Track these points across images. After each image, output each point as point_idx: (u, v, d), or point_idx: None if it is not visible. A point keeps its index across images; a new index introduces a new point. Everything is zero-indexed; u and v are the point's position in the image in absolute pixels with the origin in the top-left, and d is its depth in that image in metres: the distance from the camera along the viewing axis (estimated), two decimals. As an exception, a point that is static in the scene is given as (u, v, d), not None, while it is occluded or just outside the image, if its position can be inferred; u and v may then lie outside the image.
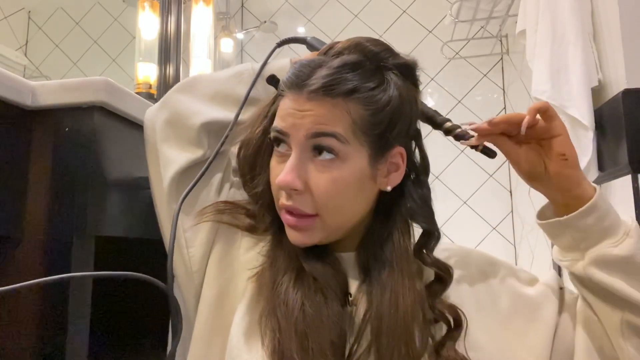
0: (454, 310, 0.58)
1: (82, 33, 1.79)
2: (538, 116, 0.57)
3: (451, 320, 0.57)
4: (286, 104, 0.56)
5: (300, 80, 0.55)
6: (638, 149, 1.02)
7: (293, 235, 0.58)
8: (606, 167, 1.14)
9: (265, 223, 0.64)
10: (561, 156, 0.57)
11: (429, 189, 0.62)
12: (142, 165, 0.71)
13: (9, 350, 0.61)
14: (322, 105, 0.54)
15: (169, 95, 0.69)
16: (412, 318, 0.54)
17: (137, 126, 0.74)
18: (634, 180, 1.03)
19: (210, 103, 0.67)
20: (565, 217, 0.57)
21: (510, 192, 1.99)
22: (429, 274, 0.61)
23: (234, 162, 0.70)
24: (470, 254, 0.67)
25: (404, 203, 0.60)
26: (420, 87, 0.62)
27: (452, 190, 2.02)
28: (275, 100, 0.61)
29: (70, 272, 0.61)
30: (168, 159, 0.65)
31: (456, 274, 0.60)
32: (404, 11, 2.22)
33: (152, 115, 0.68)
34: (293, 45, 0.74)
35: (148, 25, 1.69)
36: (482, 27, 2.06)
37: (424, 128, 0.64)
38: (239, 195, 0.69)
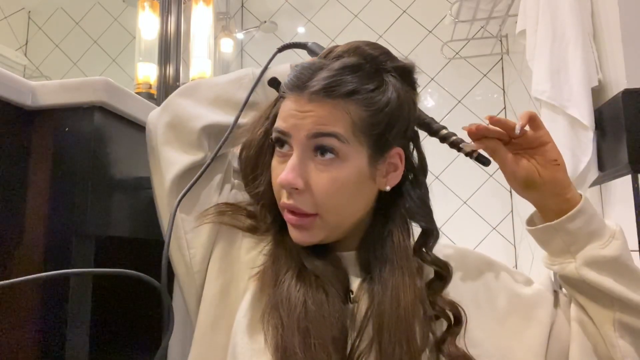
0: (454, 306, 0.59)
1: (82, 33, 1.79)
2: (527, 127, 0.60)
3: (451, 317, 0.59)
4: (287, 105, 0.58)
5: (301, 82, 0.56)
6: (638, 149, 1.02)
7: (295, 234, 0.60)
8: (606, 167, 1.14)
9: (267, 223, 0.65)
10: (553, 162, 0.60)
11: (427, 189, 0.63)
12: (142, 165, 0.71)
13: (8, 347, 0.61)
14: (322, 107, 0.55)
15: (171, 99, 0.70)
16: (413, 314, 0.55)
17: (137, 126, 0.74)
18: (634, 180, 1.03)
19: (211, 107, 0.69)
20: (555, 221, 0.60)
21: (510, 192, 1.99)
22: (429, 272, 0.62)
23: (235, 164, 0.71)
24: (468, 254, 0.68)
25: (403, 203, 0.62)
26: (420, 87, 0.64)
27: (452, 190, 2.02)
28: (277, 102, 0.63)
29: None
30: (169, 161, 0.66)
31: (455, 272, 0.61)
32: (404, 11, 2.22)
33: (154, 119, 0.70)
34: (295, 49, 0.75)
35: (148, 25, 1.70)
36: (482, 27, 2.06)
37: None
38: (240, 196, 0.70)
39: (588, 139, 1.15)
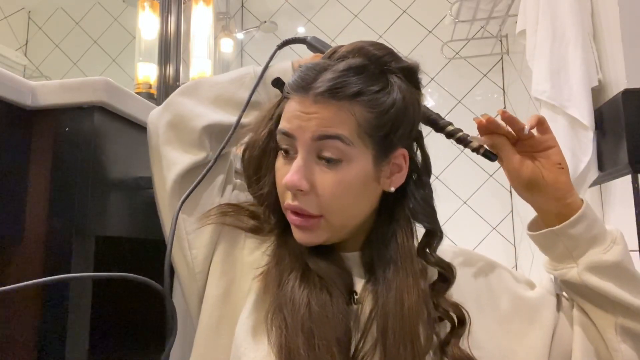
0: (458, 308, 0.59)
1: (82, 33, 1.78)
2: (534, 130, 0.60)
3: (455, 319, 0.58)
4: (292, 107, 0.57)
5: (306, 83, 0.56)
6: (638, 149, 1.02)
7: (299, 235, 0.59)
8: (606, 167, 1.14)
9: (271, 224, 0.65)
10: (557, 165, 0.60)
11: (430, 189, 0.63)
12: (142, 165, 0.71)
13: (8, 349, 0.61)
14: (327, 108, 0.55)
15: (172, 99, 0.69)
16: (417, 316, 0.55)
17: (137, 126, 0.74)
18: (634, 180, 1.03)
19: (212, 106, 0.68)
20: (558, 226, 0.60)
21: (510, 192, 1.99)
22: (433, 273, 0.62)
23: (237, 164, 0.71)
24: (471, 256, 0.68)
25: (407, 203, 0.61)
26: (422, 89, 0.63)
27: (452, 190, 2.02)
28: (280, 102, 0.62)
29: (70, 272, 0.61)
30: (170, 161, 0.66)
31: (458, 274, 0.61)
32: (404, 11, 2.22)
33: (154, 118, 0.69)
34: (294, 46, 0.74)
35: (148, 25, 1.70)
36: (482, 27, 2.06)
37: (424, 128, 0.65)
38: (243, 196, 0.70)
39: (588, 139, 1.15)
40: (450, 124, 0.64)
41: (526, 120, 0.61)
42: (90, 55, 1.78)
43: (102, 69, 1.81)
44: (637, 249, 1.00)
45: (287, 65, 0.71)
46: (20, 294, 0.62)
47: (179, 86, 0.72)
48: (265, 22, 2.25)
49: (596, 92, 1.19)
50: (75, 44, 1.76)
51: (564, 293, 0.67)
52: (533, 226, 0.65)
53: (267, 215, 0.65)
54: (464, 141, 0.62)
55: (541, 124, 0.60)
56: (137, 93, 1.59)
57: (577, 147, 1.15)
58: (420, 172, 0.63)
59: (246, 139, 0.66)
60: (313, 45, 0.72)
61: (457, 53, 2.13)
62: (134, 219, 0.74)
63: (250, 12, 2.42)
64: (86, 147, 0.64)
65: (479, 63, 2.12)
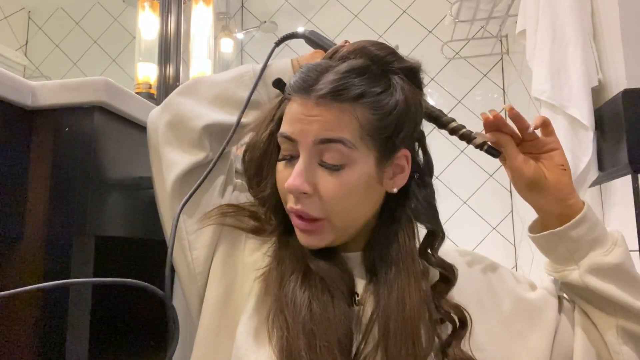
0: (460, 310, 0.59)
1: (82, 33, 1.78)
2: (538, 131, 0.61)
3: (457, 320, 0.58)
4: (293, 109, 0.57)
5: (307, 84, 0.55)
6: (638, 149, 1.02)
7: (304, 239, 0.59)
8: (606, 167, 1.14)
9: (272, 225, 0.65)
10: (560, 166, 0.61)
11: (432, 190, 0.63)
12: (143, 165, 0.71)
13: (7, 352, 0.61)
14: (329, 110, 0.54)
15: (171, 98, 0.69)
16: (419, 317, 0.55)
17: (137, 126, 0.74)
18: (634, 180, 1.03)
19: (211, 106, 0.68)
20: (559, 228, 0.60)
21: (510, 192, 1.99)
22: (434, 274, 0.61)
23: (237, 165, 0.70)
24: (472, 257, 0.68)
25: (409, 204, 0.61)
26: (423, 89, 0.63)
27: (452, 190, 2.02)
28: (281, 103, 0.62)
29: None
30: (170, 162, 0.66)
31: (460, 275, 0.61)
32: (404, 11, 2.22)
33: (154, 118, 0.69)
34: (293, 45, 0.74)
35: (148, 25, 1.69)
36: (482, 27, 2.06)
37: (425, 127, 0.64)
38: (243, 197, 0.70)
39: (588, 139, 1.15)
40: (454, 120, 0.63)
41: (529, 120, 0.61)
42: (90, 55, 1.78)
43: (102, 69, 1.81)
44: (637, 249, 1.00)
45: (286, 63, 0.70)
46: (20, 296, 0.62)
47: (178, 86, 0.71)
48: (265, 22, 2.25)
49: (596, 92, 1.19)
50: (75, 44, 1.76)
51: (565, 295, 0.67)
52: (534, 228, 0.65)
53: (268, 216, 0.65)
54: (467, 137, 0.62)
55: (546, 126, 0.61)
56: (137, 93, 1.59)
57: (577, 147, 1.15)
58: (423, 172, 0.63)
59: (247, 140, 0.66)
60: (311, 39, 0.71)
61: (457, 53, 2.13)
62: (134, 219, 0.74)
63: (250, 12, 2.42)
64: (86, 147, 0.64)
65: (479, 63, 2.12)
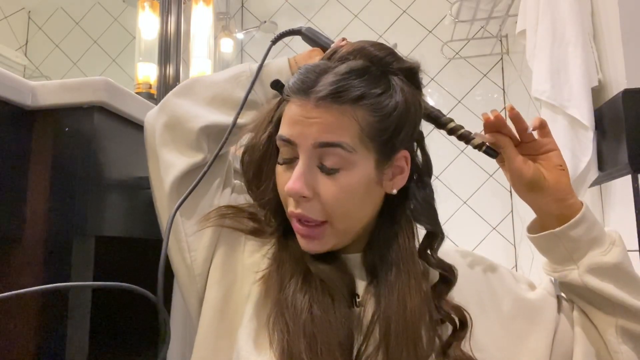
0: (460, 311, 0.59)
1: (82, 33, 1.78)
2: (535, 133, 0.61)
3: (457, 321, 0.58)
4: (292, 110, 0.56)
5: (306, 86, 0.55)
6: (638, 149, 1.02)
7: (306, 245, 0.59)
8: (606, 167, 1.14)
9: (272, 227, 0.64)
10: (559, 167, 0.61)
11: (432, 190, 0.63)
12: (142, 165, 0.71)
13: (7, 354, 0.61)
14: (329, 112, 0.54)
15: (167, 99, 0.68)
16: (420, 318, 0.55)
17: (137, 126, 0.74)
18: (634, 180, 1.03)
19: (208, 107, 0.67)
20: (558, 228, 0.60)
21: (510, 192, 1.99)
22: (434, 275, 0.61)
23: (237, 165, 0.70)
24: (472, 257, 0.68)
25: (408, 205, 0.61)
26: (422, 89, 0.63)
27: (452, 190, 2.02)
28: (279, 104, 0.61)
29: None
30: (168, 163, 0.65)
31: (460, 275, 0.61)
32: (404, 11, 2.22)
33: (151, 119, 0.68)
34: (294, 45, 0.74)
35: (148, 25, 1.70)
36: (482, 27, 2.06)
37: (424, 128, 0.64)
38: (242, 199, 0.69)
39: (588, 139, 1.15)
40: (452, 120, 0.64)
41: (527, 122, 0.61)
42: (90, 55, 1.78)
43: (102, 69, 1.81)
44: (637, 249, 1.00)
45: (283, 62, 0.70)
46: (19, 297, 0.62)
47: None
48: (265, 22, 2.25)
49: (596, 92, 1.19)
50: (75, 44, 1.76)
51: (563, 295, 0.67)
52: (532, 229, 0.65)
53: (268, 218, 0.65)
54: (466, 138, 0.62)
55: (542, 127, 0.61)
56: (137, 93, 1.59)
57: (577, 147, 1.15)
58: (422, 172, 0.63)
59: (245, 141, 0.65)
60: (308, 37, 0.71)
61: (457, 53, 2.13)
62: (134, 219, 0.74)
63: (250, 12, 2.42)
64: (86, 147, 0.64)
65: (479, 63, 2.12)
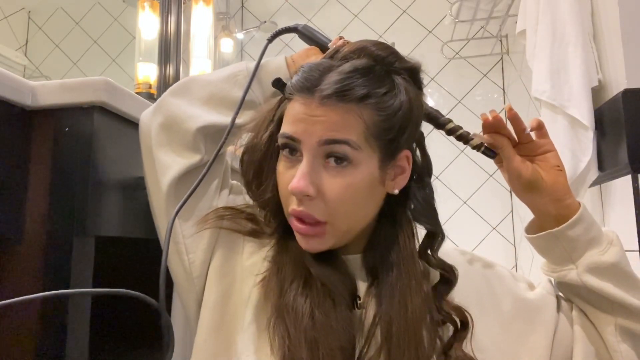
0: (461, 311, 0.58)
1: (82, 33, 1.78)
2: (532, 134, 0.61)
3: (458, 322, 0.58)
4: (296, 109, 0.55)
5: (310, 84, 0.54)
6: (638, 149, 1.02)
7: (305, 244, 0.58)
8: (606, 167, 1.14)
9: (271, 228, 0.64)
10: (556, 167, 0.61)
11: (432, 190, 0.62)
12: (142, 165, 0.70)
13: (5, 357, 0.61)
14: (334, 111, 0.53)
15: (163, 99, 0.67)
16: (421, 319, 0.55)
17: (137, 126, 0.73)
18: (634, 180, 1.03)
19: (205, 107, 0.66)
20: (557, 228, 0.60)
21: (510, 192, 1.99)
22: (434, 275, 0.61)
23: (235, 164, 0.70)
24: (472, 257, 0.68)
25: (408, 205, 0.61)
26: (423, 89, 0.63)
27: (452, 191, 2.02)
28: (280, 103, 0.61)
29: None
30: (164, 165, 0.64)
31: (460, 276, 0.61)
32: (404, 11, 2.22)
33: (146, 120, 0.67)
34: (292, 44, 0.74)
35: (148, 25, 1.70)
36: (482, 27, 2.06)
37: (424, 127, 0.64)
38: (240, 199, 0.69)
39: (588, 139, 1.15)
40: (451, 120, 0.64)
41: (527, 122, 0.61)
42: (90, 55, 1.78)
43: (102, 69, 1.81)
44: (637, 249, 1.00)
45: (280, 61, 0.69)
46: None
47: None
48: (265, 22, 2.25)
49: (596, 92, 1.19)
50: (75, 44, 1.76)
51: (562, 294, 0.67)
52: (531, 229, 0.65)
53: (267, 219, 0.64)
54: (464, 138, 0.62)
55: (540, 128, 0.61)
56: (137, 93, 1.59)
57: (577, 147, 1.15)
58: (422, 172, 0.63)
59: (244, 141, 0.65)
60: (305, 34, 0.70)
61: (457, 53, 2.13)
62: (134, 219, 0.74)
63: (250, 12, 2.42)
64: (86, 147, 0.64)
65: (479, 63, 2.12)
